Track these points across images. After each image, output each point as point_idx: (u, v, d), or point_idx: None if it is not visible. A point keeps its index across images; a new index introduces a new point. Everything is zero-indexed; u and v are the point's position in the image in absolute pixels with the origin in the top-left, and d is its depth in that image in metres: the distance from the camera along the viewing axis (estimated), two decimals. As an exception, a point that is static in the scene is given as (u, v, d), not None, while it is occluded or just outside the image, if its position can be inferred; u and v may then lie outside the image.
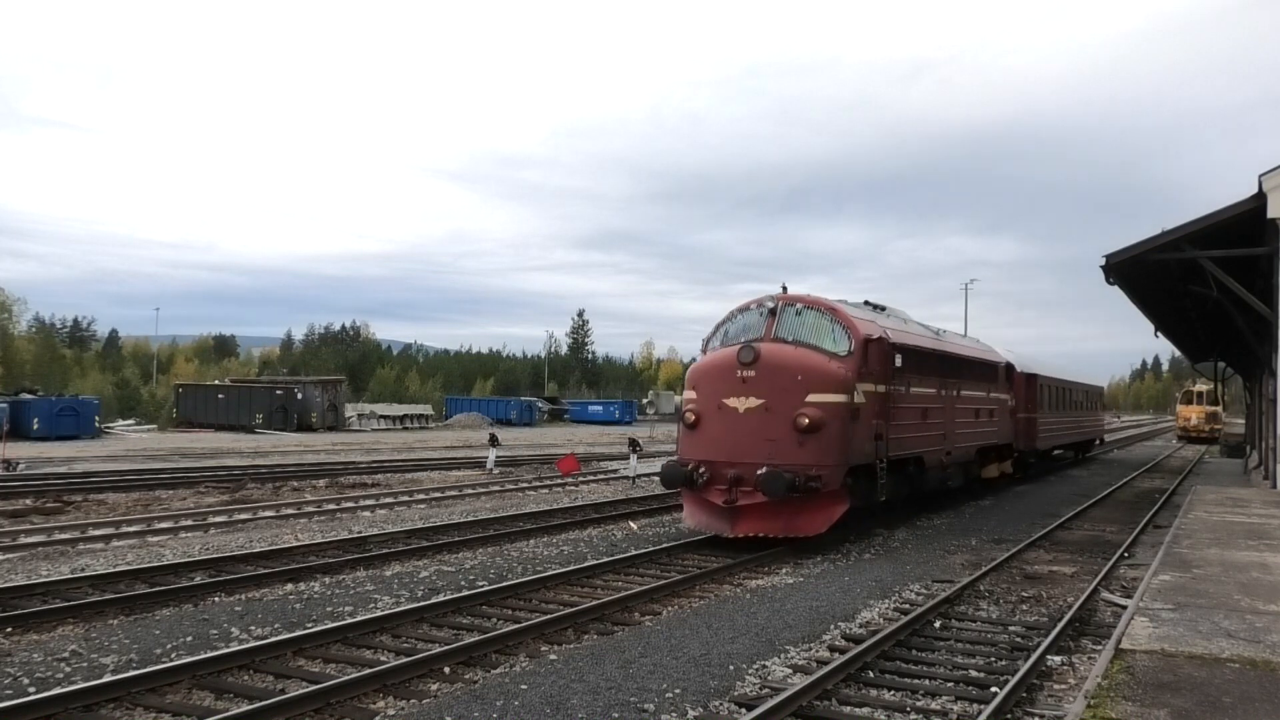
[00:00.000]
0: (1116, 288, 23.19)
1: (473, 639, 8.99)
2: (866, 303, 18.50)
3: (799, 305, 15.66)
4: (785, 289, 16.12)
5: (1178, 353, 61.47)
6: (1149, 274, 23.49)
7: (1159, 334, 33.29)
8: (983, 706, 7.43)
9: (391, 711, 7.36)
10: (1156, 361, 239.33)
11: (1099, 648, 9.32)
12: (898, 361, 16.22)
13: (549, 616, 9.96)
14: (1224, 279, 20.50)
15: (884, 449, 15.72)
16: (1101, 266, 20.92)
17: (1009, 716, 7.48)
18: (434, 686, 7.96)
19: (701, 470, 14.74)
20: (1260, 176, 18.22)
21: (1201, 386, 60.69)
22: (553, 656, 8.86)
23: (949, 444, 19.68)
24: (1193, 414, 60.99)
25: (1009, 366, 25.44)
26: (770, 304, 15.67)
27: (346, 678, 7.76)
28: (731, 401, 14.68)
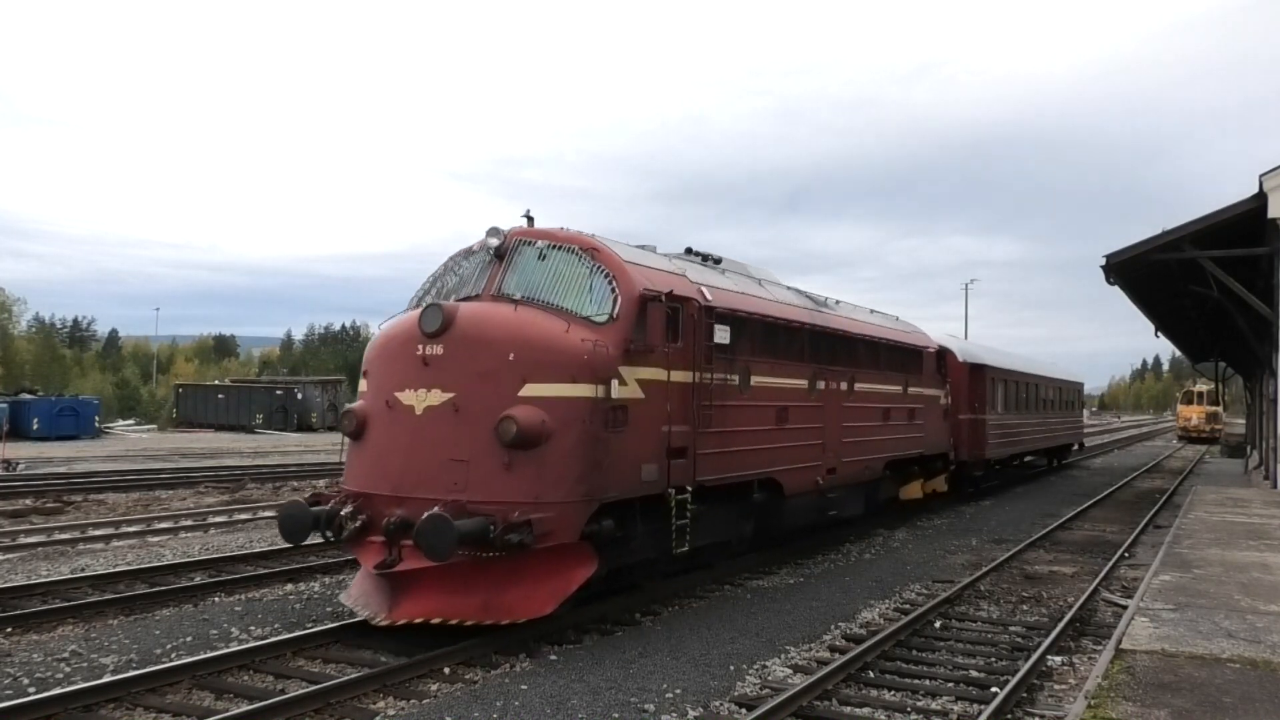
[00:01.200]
0: (1117, 288, 23.18)
1: (473, 639, 8.98)
2: (691, 251, 12.91)
3: (542, 244, 10.13)
4: (530, 219, 10.58)
5: (1178, 353, 61.47)
6: (1149, 274, 23.48)
7: (1159, 334, 33.26)
8: (983, 707, 7.42)
9: (391, 711, 7.35)
10: (1157, 361, 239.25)
11: (1099, 648, 9.31)
12: (721, 337, 11.25)
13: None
14: (1224, 279, 20.49)
15: (689, 470, 10.47)
16: (1102, 266, 20.92)
17: (1009, 717, 7.47)
18: (434, 686, 7.95)
19: (352, 510, 9.21)
20: (1261, 176, 18.22)
21: (1202, 386, 60.68)
22: (553, 656, 8.85)
23: (832, 458, 14.51)
24: (1193, 414, 60.97)
25: (942, 354, 20.31)
26: (496, 240, 10.21)
27: (346, 678, 7.76)
28: (406, 397, 9.30)
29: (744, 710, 7.46)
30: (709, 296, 11.15)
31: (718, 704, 7.66)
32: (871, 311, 18.23)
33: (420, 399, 9.23)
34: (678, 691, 7.88)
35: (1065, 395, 35.10)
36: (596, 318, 9.50)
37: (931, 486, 20.10)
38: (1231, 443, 42.63)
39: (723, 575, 12.60)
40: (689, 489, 10.42)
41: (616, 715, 7.33)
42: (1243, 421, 50.38)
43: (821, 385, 14.18)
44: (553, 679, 8.09)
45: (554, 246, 10.07)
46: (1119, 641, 7.93)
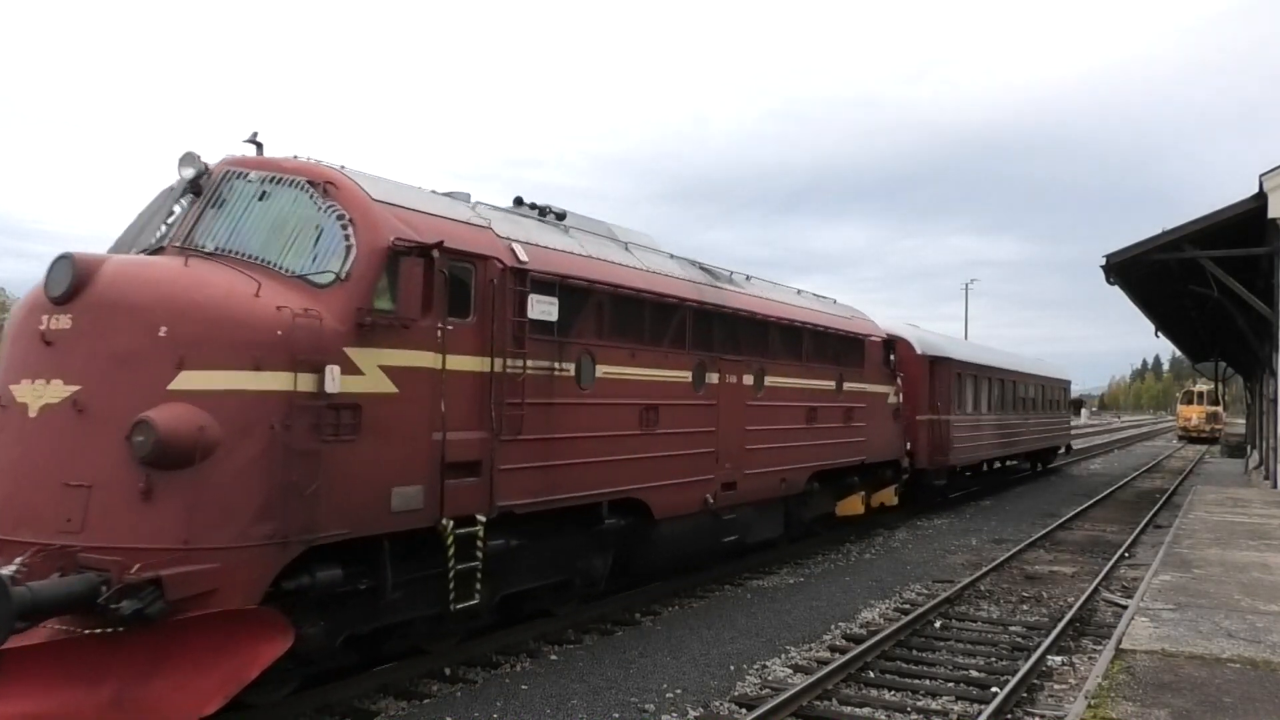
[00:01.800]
0: (1117, 288, 23.17)
1: (473, 639, 8.98)
2: (521, 202, 10.17)
3: (260, 177, 7.43)
4: (259, 145, 7.74)
5: (1178, 353, 61.50)
6: (1149, 274, 23.47)
7: (1159, 334, 33.25)
8: (983, 706, 7.43)
9: (392, 711, 7.35)
10: (1157, 361, 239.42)
11: (1099, 648, 9.31)
12: (543, 311, 8.58)
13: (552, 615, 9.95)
14: (1224, 279, 20.49)
15: (483, 492, 7.88)
16: (1102, 266, 20.91)
17: (1009, 716, 7.48)
18: (434, 687, 7.95)
19: None
20: (1261, 176, 18.21)
21: (1202, 386, 60.67)
22: (553, 656, 8.85)
23: (729, 470, 11.60)
24: (1193, 414, 60.96)
25: (891, 344, 17.50)
26: (191, 171, 7.56)
27: (347, 678, 7.75)
28: (21, 391, 6.55)
29: (744, 710, 7.46)
30: (524, 257, 8.39)
31: (718, 704, 7.66)
32: (799, 292, 14.97)
33: (37, 394, 6.42)
34: (678, 691, 7.88)
35: (1049, 394, 31.88)
36: (317, 277, 6.79)
37: (879, 499, 17.05)
38: (1231, 443, 42.61)
39: (723, 575, 12.60)
40: (482, 518, 7.76)
41: (616, 715, 7.33)
42: (1243, 421, 50.38)
43: (713, 379, 11.22)
44: (553, 679, 8.09)
45: (276, 180, 7.32)
46: (1119, 641, 7.92)
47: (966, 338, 52.56)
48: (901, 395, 17.71)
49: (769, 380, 12.67)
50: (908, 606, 11.33)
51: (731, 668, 8.62)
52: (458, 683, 8.05)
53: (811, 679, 7.93)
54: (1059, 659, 9.12)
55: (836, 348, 14.85)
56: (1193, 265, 21.46)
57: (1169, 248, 20.38)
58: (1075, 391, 42.09)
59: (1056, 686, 8.36)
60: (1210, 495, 20.58)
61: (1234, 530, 14.72)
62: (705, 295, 11.32)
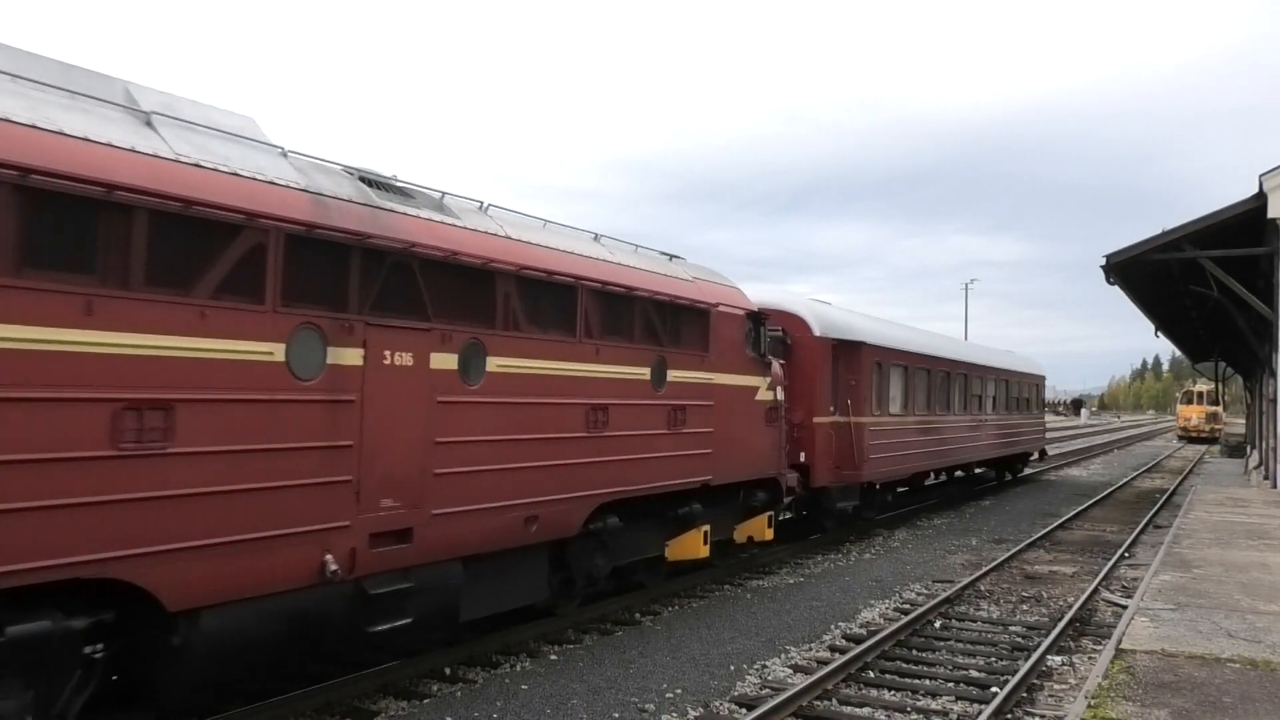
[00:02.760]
0: (1117, 288, 23.18)
1: (473, 639, 8.99)
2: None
3: None
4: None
5: (1178, 353, 61.52)
6: (1149, 274, 23.49)
7: (1159, 334, 33.26)
8: (983, 706, 7.43)
9: (392, 711, 7.36)
10: (1157, 361, 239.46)
11: (1099, 648, 9.32)
12: None
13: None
14: (1224, 279, 20.50)
15: None
16: (1102, 266, 20.93)
17: (1009, 716, 7.48)
18: (434, 687, 7.96)
19: None
20: (1261, 176, 18.22)
21: (1202, 386, 60.69)
22: (553, 656, 8.86)
23: (398, 508, 7.19)
24: (1193, 414, 60.97)
25: (758, 319, 12.54)
26: None
27: (346, 677, 7.76)
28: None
29: (744, 710, 7.46)
30: None
31: (718, 704, 7.67)
32: (597, 239, 10.33)
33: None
34: (678, 691, 7.88)
35: (1016, 391, 26.72)
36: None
37: (747, 532, 12.67)
38: (1231, 443, 42.63)
39: (723, 575, 12.60)
40: None
41: (616, 715, 7.33)
42: (1243, 421, 50.40)
43: (345, 357, 6.80)
44: (553, 679, 8.09)
45: None
46: (1119, 641, 7.93)
47: (966, 338, 52.25)
48: (781, 390, 13.02)
49: (498, 363, 8.17)
50: (908, 606, 11.34)
51: (731, 668, 8.63)
52: (458, 683, 8.05)
53: (811, 679, 7.93)
54: (1059, 659, 9.12)
55: (652, 319, 10.32)
56: (1193, 265, 21.48)
57: (1169, 248, 20.39)
58: (1075, 392, 41.11)
59: (1056, 686, 8.36)
60: (1210, 495, 20.59)
61: (1234, 530, 14.73)
62: (331, 217, 6.75)
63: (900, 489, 19.42)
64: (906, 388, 18.48)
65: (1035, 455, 30.95)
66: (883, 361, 17.23)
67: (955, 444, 21.36)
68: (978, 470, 25.26)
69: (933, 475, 22.10)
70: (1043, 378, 30.99)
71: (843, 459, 15.48)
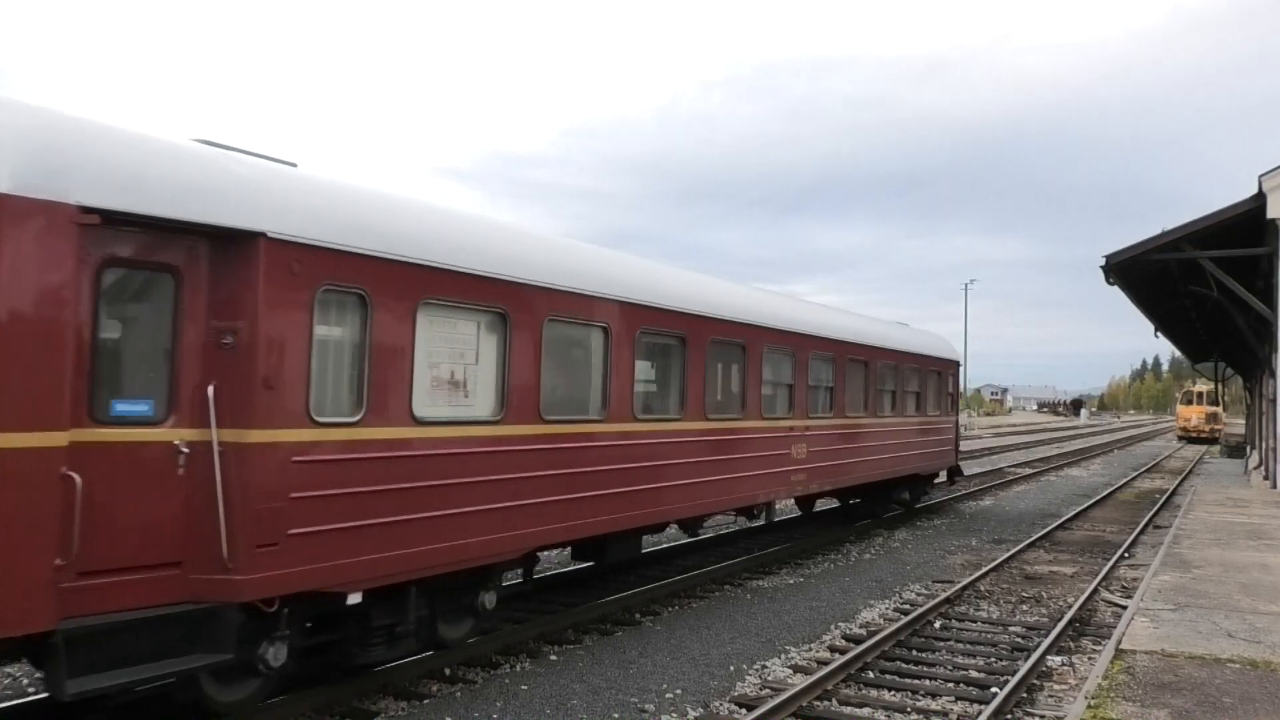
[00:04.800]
0: (1117, 288, 23.19)
1: (472, 639, 8.98)
2: None
3: None
4: None
5: (1178, 353, 61.51)
6: (1149, 274, 23.50)
7: (1159, 334, 33.26)
8: (983, 707, 7.43)
9: (392, 711, 7.36)
10: (1157, 361, 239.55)
11: (1099, 648, 9.32)
12: None
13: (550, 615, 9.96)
14: (1224, 279, 20.51)
15: None
16: (1101, 267, 20.93)
17: (1009, 717, 7.48)
18: (434, 687, 7.95)
19: None
20: (1260, 177, 18.23)
21: (1202, 387, 60.69)
22: (553, 657, 8.86)
23: None
24: (1193, 414, 60.98)
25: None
26: None
27: (346, 678, 7.75)
28: None
29: (744, 710, 7.46)
30: None
31: (718, 704, 7.67)
32: None
33: None
34: (678, 691, 7.89)
35: (895, 380, 17.37)
36: None
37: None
38: (1231, 443, 42.64)
39: (722, 575, 12.60)
40: None
41: (616, 715, 7.33)
42: (1243, 422, 50.38)
43: None
44: (553, 679, 8.09)
45: None
46: (1119, 642, 7.93)
47: (966, 338, 51.78)
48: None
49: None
50: (907, 607, 11.34)
51: (731, 668, 8.63)
52: (458, 683, 8.05)
53: (811, 679, 7.93)
54: (1059, 659, 9.12)
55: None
56: (1192, 265, 21.48)
57: (1169, 248, 20.40)
58: (1075, 392, 39.85)
59: (1056, 687, 8.36)
60: (1210, 495, 20.60)
61: (1234, 530, 14.74)
62: None
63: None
64: (521, 359, 8.31)
65: (941, 476, 21.34)
66: (376, 283, 7.05)
67: (694, 475, 10.96)
68: (854, 501, 17.88)
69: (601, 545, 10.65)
70: (955, 365, 21.08)
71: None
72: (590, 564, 11.40)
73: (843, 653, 9.03)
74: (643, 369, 10.18)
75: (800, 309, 14.80)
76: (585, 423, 9.18)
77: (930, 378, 19.21)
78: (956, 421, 21.30)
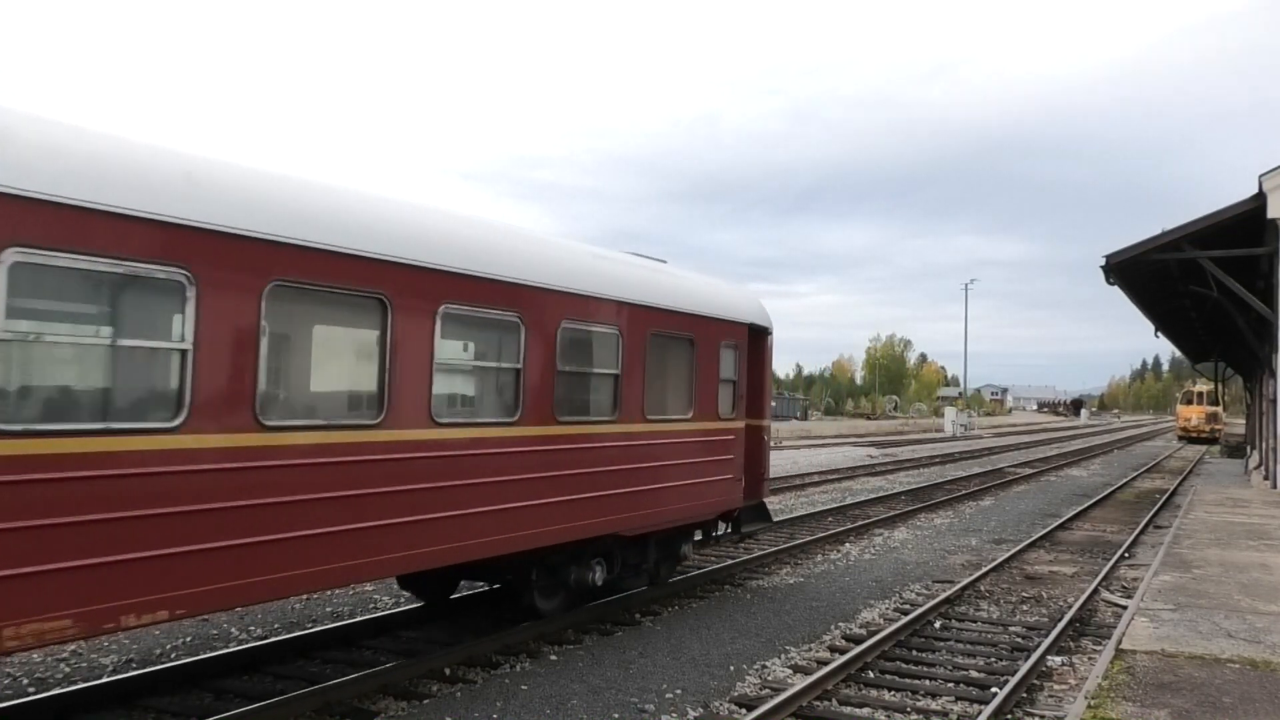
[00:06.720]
0: (1117, 288, 23.20)
1: (473, 639, 8.99)
2: None
3: None
4: None
5: (1178, 353, 61.52)
6: (1149, 274, 23.51)
7: (1159, 334, 33.27)
8: (983, 707, 7.43)
9: (392, 711, 7.36)
10: (1157, 361, 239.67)
11: (1099, 648, 9.32)
12: None
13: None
14: (1224, 279, 20.52)
15: None
16: (1102, 267, 20.95)
17: (1009, 717, 7.48)
18: (434, 687, 7.95)
19: None
20: (1260, 177, 18.24)
21: (1202, 387, 60.72)
22: (553, 657, 8.85)
23: None
24: (1193, 414, 61.02)
25: None
26: None
27: (346, 678, 7.76)
28: None
29: (744, 710, 7.46)
30: None
31: (718, 704, 7.67)
32: None
33: None
34: (678, 691, 7.88)
35: (589, 351, 9.21)
36: None
37: None
38: (1231, 443, 42.65)
39: (722, 575, 12.60)
40: None
41: (616, 715, 7.33)
42: (1243, 422, 50.40)
43: None
44: (553, 679, 8.09)
45: None
46: (1119, 642, 7.93)
47: (966, 338, 51.89)
48: None
49: None
50: (908, 607, 11.33)
51: (731, 668, 8.62)
52: (458, 683, 8.05)
53: (811, 679, 7.93)
54: (1059, 659, 9.12)
55: None
56: (1192, 265, 21.49)
57: (1169, 248, 20.42)
58: (1075, 392, 39.95)
59: (1056, 687, 8.36)
60: (1210, 495, 20.60)
61: (1234, 530, 14.74)
62: None
63: None
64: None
65: (724, 527, 12.21)
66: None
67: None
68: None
69: None
70: (760, 333, 12.40)
71: None
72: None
73: (843, 653, 9.03)
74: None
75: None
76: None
77: (701, 351, 10.92)
78: (766, 426, 12.81)
